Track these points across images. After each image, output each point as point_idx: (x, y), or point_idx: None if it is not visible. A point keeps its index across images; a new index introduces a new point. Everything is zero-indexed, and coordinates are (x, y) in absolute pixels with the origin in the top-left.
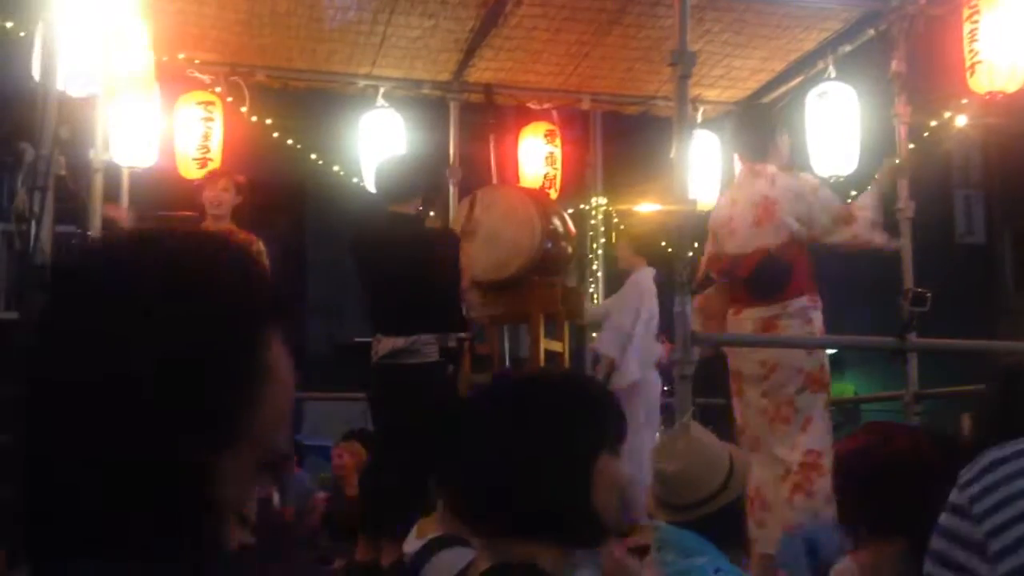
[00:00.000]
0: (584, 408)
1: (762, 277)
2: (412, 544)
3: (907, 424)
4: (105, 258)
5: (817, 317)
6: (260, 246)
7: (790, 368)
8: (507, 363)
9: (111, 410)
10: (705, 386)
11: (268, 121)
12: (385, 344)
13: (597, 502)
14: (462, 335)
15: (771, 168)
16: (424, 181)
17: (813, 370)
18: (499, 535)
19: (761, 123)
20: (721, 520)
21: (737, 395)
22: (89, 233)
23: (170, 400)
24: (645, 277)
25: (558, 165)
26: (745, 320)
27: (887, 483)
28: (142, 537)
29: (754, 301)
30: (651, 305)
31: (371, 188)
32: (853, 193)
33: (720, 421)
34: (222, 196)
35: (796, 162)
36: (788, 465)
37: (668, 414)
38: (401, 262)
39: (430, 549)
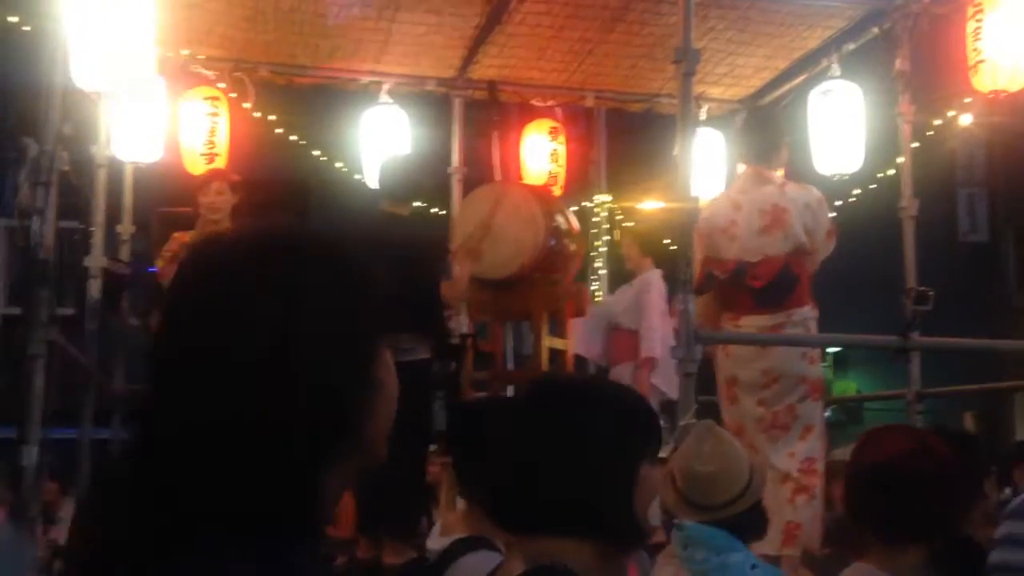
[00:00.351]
0: (633, 416)
1: (775, 286)
2: (437, 541)
3: (920, 429)
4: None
5: (814, 326)
6: None
7: (793, 377)
8: (510, 361)
9: (264, 391)
10: (704, 384)
11: (272, 117)
12: None
13: (638, 508)
14: (465, 333)
15: (778, 175)
16: (424, 183)
17: (814, 378)
18: (535, 535)
19: (769, 126)
20: (747, 518)
21: (731, 401)
22: (92, 229)
23: (313, 395)
24: (656, 277)
25: (562, 162)
26: (747, 328)
27: (908, 492)
28: (271, 518)
29: (758, 309)
30: (665, 305)
31: (372, 185)
32: (856, 191)
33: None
34: (217, 200)
35: (792, 165)
36: (786, 471)
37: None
38: (388, 262)
39: (455, 551)
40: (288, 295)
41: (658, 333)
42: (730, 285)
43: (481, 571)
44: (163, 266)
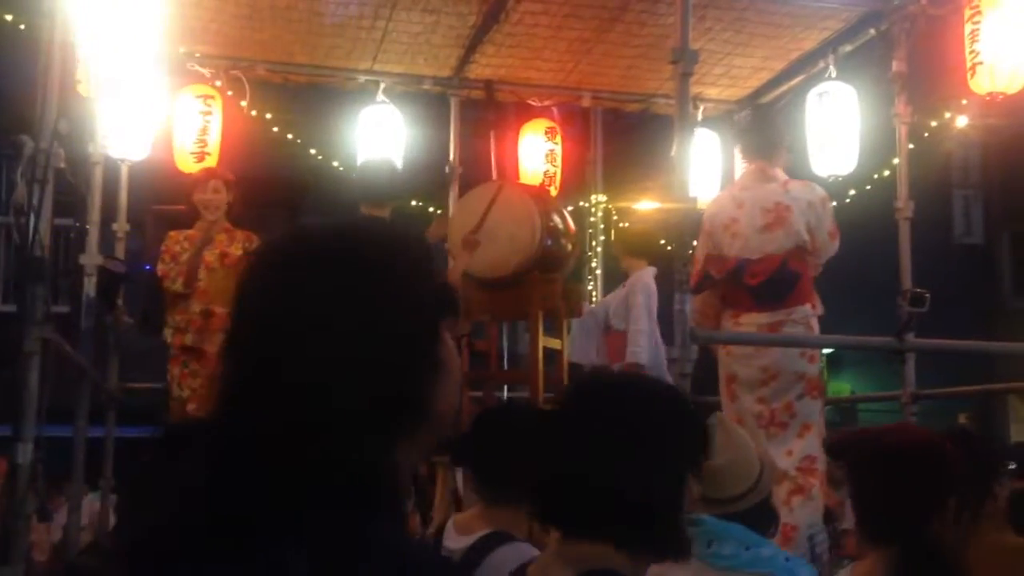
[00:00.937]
0: (689, 424)
1: (775, 284)
2: (456, 540)
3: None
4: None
5: (816, 324)
6: (254, 239)
7: (792, 374)
8: (505, 360)
9: (348, 374)
10: (702, 385)
11: (268, 116)
12: None
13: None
14: (461, 334)
15: (781, 173)
16: (402, 185)
17: (813, 376)
18: (581, 538)
19: (772, 124)
20: (759, 511)
21: (731, 399)
22: (87, 227)
23: (391, 377)
24: (646, 276)
25: (558, 162)
26: (747, 326)
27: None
28: (355, 493)
29: (758, 307)
30: (655, 305)
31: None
32: (852, 193)
33: None
34: (213, 199)
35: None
36: (784, 470)
37: None
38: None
39: (484, 546)
40: (370, 286)
41: (644, 336)
42: (730, 283)
43: (517, 561)
44: (163, 267)
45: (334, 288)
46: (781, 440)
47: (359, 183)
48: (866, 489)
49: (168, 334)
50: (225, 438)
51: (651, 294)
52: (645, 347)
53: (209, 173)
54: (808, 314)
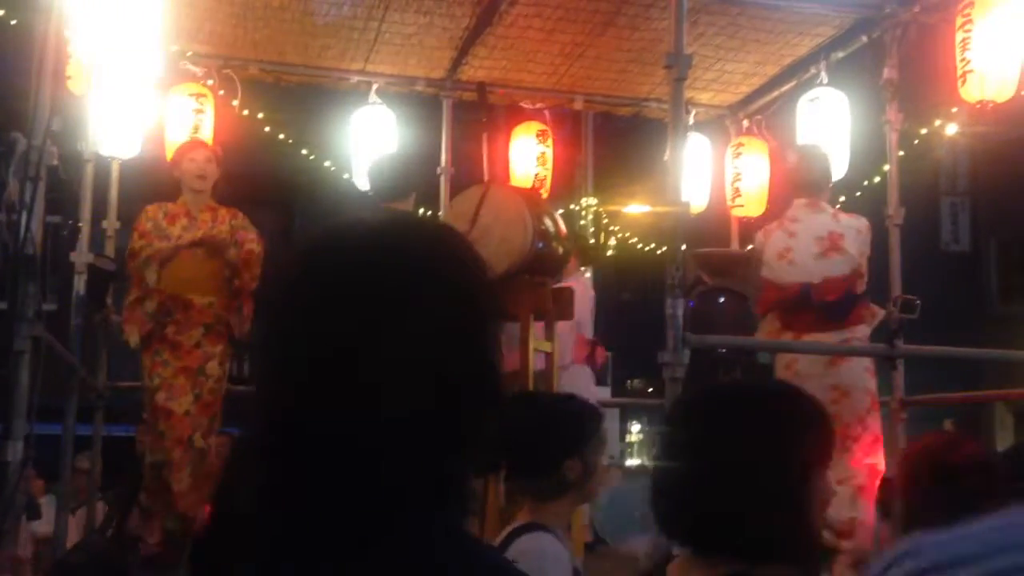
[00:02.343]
0: (803, 419)
1: (840, 305)
2: None
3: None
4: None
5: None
6: (244, 220)
7: (862, 391)
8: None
9: (422, 378)
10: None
11: (260, 115)
12: None
13: (812, 521)
14: None
15: (827, 204)
16: (416, 178)
17: (873, 390)
18: (714, 557)
19: (821, 162)
20: None
21: None
22: (79, 224)
23: (458, 380)
24: (578, 278)
25: (549, 165)
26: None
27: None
28: (422, 495)
29: (822, 326)
30: (582, 307)
31: (362, 186)
32: (842, 199)
33: None
34: (206, 168)
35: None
36: (852, 475)
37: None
38: None
39: (509, 537)
40: (440, 286)
41: (566, 338)
42: (797, 305)
43: (538, 550)
44: (136, 245)
45: (404, 288)
46: (853, 453)
47: (380, 180)
48: (921, 506)
49: (146, 318)
50: (301, 439)
51: (580, 297)
52: (568, 349)
53: (197, 143)
54: (866, 333)
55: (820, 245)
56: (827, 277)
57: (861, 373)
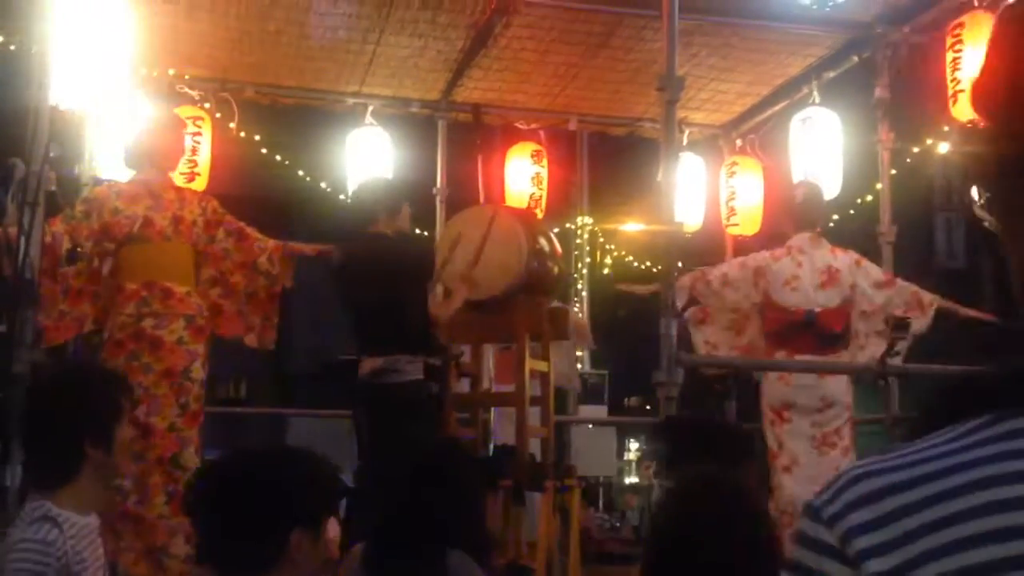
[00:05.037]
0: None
1: (839, 332)
2: None
3: None
4: None
5: None
6: (215, 203)
7: (843, 403)
8: (492, 382)
9: None
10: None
11: (257, 137)
12: (367, 364)
13: None
14: (450, 356)
15: (825, 240)
16: (399, 200)
17: (851, 404)
18: None
19: (822, 197)
20: None
21: (783, 421)
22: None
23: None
24: None
25: (544, 185)
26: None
27: None
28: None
29: (819, 350)
30: None
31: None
32: (835, 217)
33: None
34: (176, 148)
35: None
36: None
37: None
38: (380, 282)
39: None
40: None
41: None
42: (794, 329)
43: None
44: (72, 226)
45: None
46: (832, 459)
47: (366, 203)
48: None
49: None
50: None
51: None
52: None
53: (177, 118)
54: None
55: (820, 277)
56: (824, 307)
57: (846, 387)
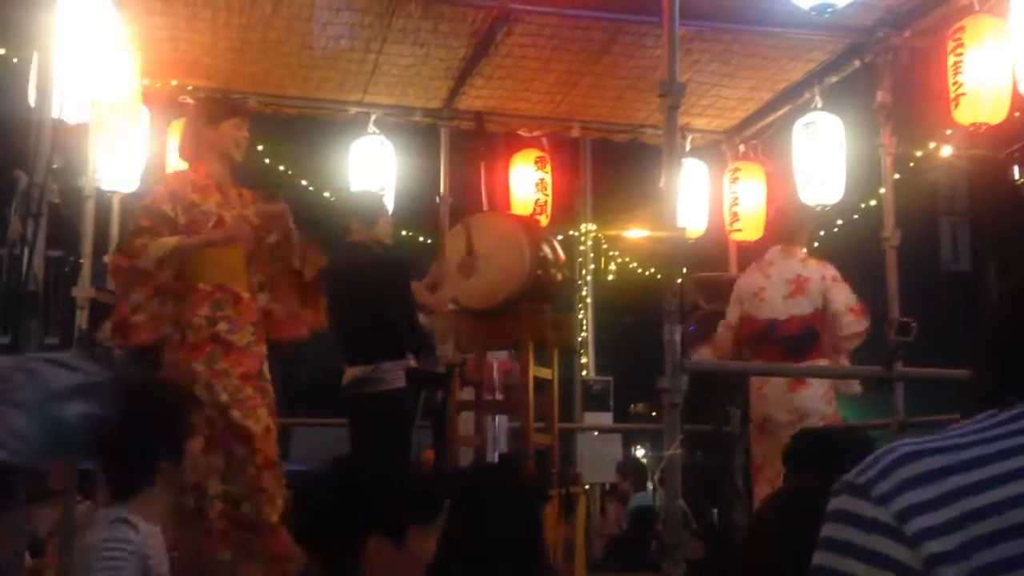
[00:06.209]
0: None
1: (801, 339)
2: None
3: None
4: None
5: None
6: (260, 203)
7: (815, 414)
8: (496, 390)
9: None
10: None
11: (259, 147)
12: (348, 373)
13: None
14: (453, 364)
15: (800, 251)
16: (374, 212)
17: (829, 415)
18: None
19: (798, 212)
20: None
21: (765, 434)
22: (81, 261)
23: None
24: None
25: (548, 192)
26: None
27: None
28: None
29: (784, 358)
30: None
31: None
32: (839, 222)
33: (707, 448)
34: (242, 138)
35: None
36: None
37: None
38: (359, 291)
39: None
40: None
41: None
42: (763, 338)
43: None
44: (169, 210)
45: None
46: None
47: (340, 212)
48: None
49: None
50: None
51: None
52: None
53: (239, 106)
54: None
55: (789, 287)
56: (791, 315)
57: (817, 400)
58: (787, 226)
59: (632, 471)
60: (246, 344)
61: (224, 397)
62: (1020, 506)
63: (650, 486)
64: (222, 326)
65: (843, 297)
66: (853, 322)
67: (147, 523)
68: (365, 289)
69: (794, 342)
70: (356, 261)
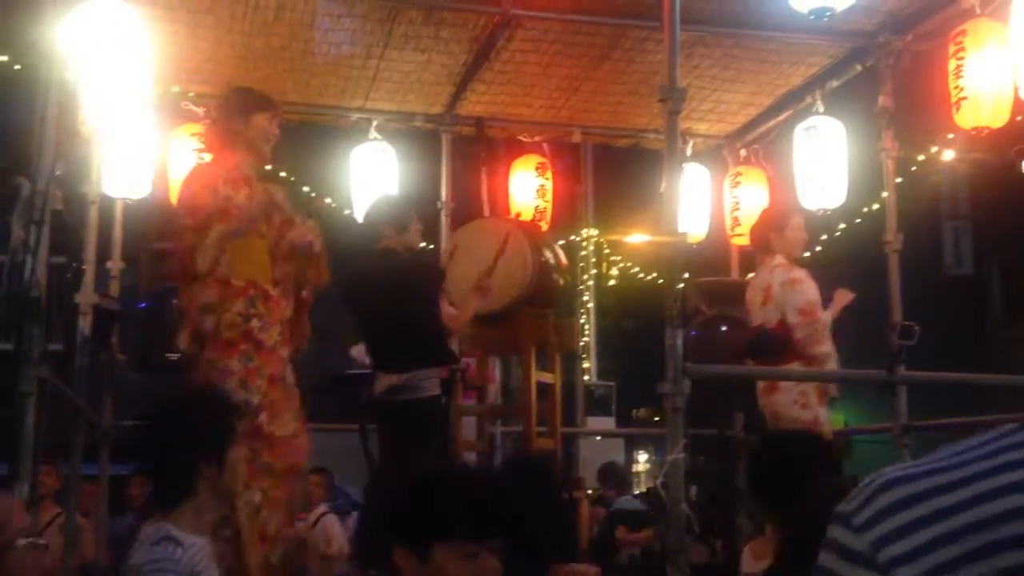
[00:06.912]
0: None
1: (761, 345)
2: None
3: None
4: None
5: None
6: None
7: (790, 420)
8: (499, 394)
9: None
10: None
11: None
12: (383, 381)
13: None
14: (454, 367)
15: (776, 259)
16: (406, 216)
17: (808, 420)
18: None
19: (769, 222)
20: None
21: None
22: (84, 267)
23: None
24: None
25: (549, 197)
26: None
27: None
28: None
29: (759, 364)
30: None
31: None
32: (841, 226)
33: (709, 451)
34: (273, 133)
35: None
36: None
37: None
38: (392, 299)
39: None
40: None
41: None
42: (751, 344)
43: None
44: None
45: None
46: None
47: (372, 220)
48: None
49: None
50: None
51: None
52: None
53: (271, 99)
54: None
55: (761, 295)
56: (766, 322)
57: (789, 404)
58: (759, 235)
59: (613, 478)
60: (273, 344)
61: (256, 399)
62: (994, 525)
63: (635, 491)
64: (255, 323)
65: (795, 300)
66: (801, 325)
67: (192, 535)
68: (398, 296)
69: (756, 349)
70: (387, 269)
